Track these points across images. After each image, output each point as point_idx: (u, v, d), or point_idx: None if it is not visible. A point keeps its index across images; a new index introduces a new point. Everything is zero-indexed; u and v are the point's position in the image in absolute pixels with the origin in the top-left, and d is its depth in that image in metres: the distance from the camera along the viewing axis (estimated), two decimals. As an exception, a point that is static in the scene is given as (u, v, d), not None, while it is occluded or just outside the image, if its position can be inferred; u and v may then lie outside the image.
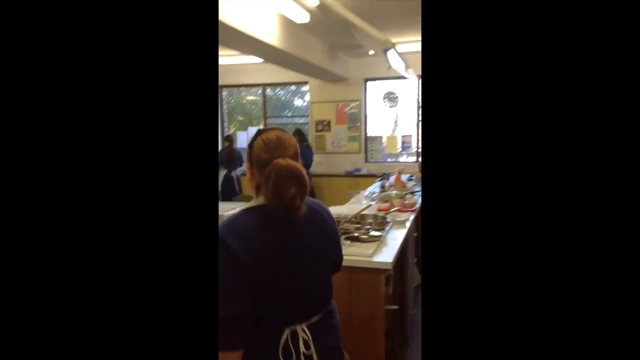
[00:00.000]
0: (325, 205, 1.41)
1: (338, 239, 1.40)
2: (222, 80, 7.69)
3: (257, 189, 1.25)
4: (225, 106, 8.23)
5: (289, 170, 1.18)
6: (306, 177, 1.21)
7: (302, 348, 1.21)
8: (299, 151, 1.27)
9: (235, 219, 1.22)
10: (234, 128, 8.32)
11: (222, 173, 6.82)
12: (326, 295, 1.32)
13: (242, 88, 8.13)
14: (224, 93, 8.19)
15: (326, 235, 1.32)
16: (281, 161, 1.19)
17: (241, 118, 8.38)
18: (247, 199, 5.26)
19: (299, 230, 1.23)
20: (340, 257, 1.42)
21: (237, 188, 6.92)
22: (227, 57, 6.67)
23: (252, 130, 7.86)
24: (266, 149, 1.23)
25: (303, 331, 1.23)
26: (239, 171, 7.04)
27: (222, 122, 8.16)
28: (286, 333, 1.21)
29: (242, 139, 7.95)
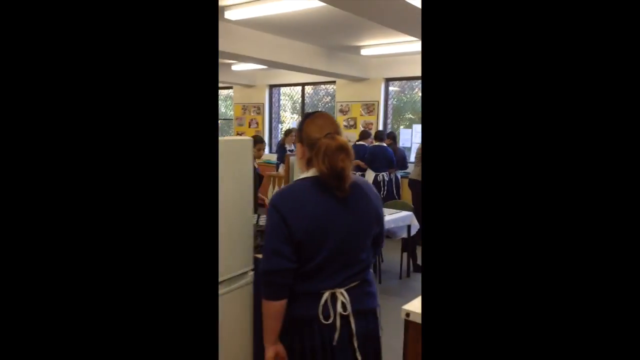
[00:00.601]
0: (371, 184, 1.56)
1: (380, 215, 1.52)
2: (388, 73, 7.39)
3: (308, 163, 1.44)
4: (391, 103, 7.89)
5: (339, 145, 1.38)
6: (352, 151, 1.40)
7: (339, 309, 1.39)
8: (340, 129, 1.46)
9: (288, 187, 1.44)
10: (403, 126, 7.93)
11: (374, 174, 6.19)
12: (365, 263, 1.47)
13: (415, 84, 7.66)
14: (394, 89, 7.85)
15: (368, 208, 1.47)
16: (330, 139, 1.39)
17: (411, 116, 7.94)
18: (403, 205, 4.94)
19: (345, 200, 1.40)
20: (381, 233, 1.55)
21: (394, 192, 6.32)
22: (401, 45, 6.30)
23: (417, 128, 7.35)
24: (316, 129, 1.43)
25: (342, 294, 1.40)
26: (400, 173, 6.55)
27: (386, 119, 7.82)
28: (326, 295, 1.39)
29: (406, 138, 7.52)
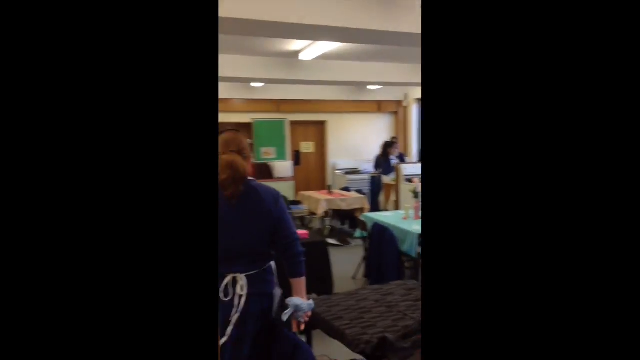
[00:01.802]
0: (273, 190, 1.88)
1: (275, 216, 1.83)
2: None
3: None
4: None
5: (227, 164, 1.77)
6: (242, 166, 1.78)
7: (238, 290, 1.77)
8: (245, 144, 1.86)
9: None
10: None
11: None
12: (261, 257, 1.84)
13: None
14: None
15: (260, 212, 1.81)
16: (224, 157, 1.78)
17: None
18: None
19: (237, 208, 1.79)
20: (285, 235, 1.85)
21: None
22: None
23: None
24: (220, 147, 1.81)
25: (241, 279, 1.78)
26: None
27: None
28: (228, 278, 1.78)
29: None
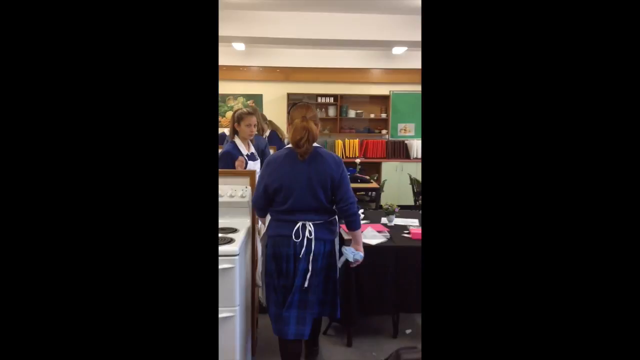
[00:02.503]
0: (336, 156, 2.37)
1: (337, 179, 2.28)
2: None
3: (289, 138, 2.31)
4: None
5: (303, 127, 2.26)
6: (313, 130, 2.27)
7: (307, 234, 2.28)
8: (317, 116, 2.37)
9: (276, 153, 2.37)
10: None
11: None
12: (324, 210, 2.32)
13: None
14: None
15: (323, 172, 2.27)
16: (299, 121, 2.28)
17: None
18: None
19: (305, 165, 2.26)
20: (342, 198, 2.30)
21: None
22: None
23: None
24: (295, 113, 2.33)
25: (310, 225, 2.29)
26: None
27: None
28: (299, 224, 2.29)
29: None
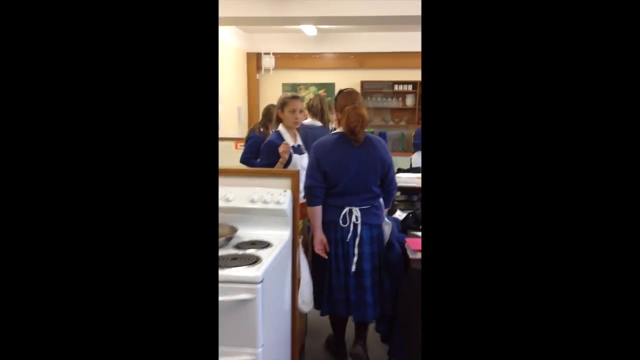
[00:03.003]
0: (382, 140, 2.40)
1: (387, 164, 2.34)
2: None
3: (339, 123, 2.35)
4: None
5: (355, 114, 2.23)
6: (366, 116, 2.26)
7: (353, 219, 2.27)
8: (362, 100, 2.40)
9: (324, 138, 2.38)
10: None
11: None
12: (371, 195, 2.31)
13: None
14: None
15: (375, 158, 2.29)
16: (350, 108, 2.25)
17: None
18: None
19: (358, 151, 2.27)
20: (388, 176, 2.36)
21: None
22: None
23: None
24: (344, 100, 2.33)
25: (356, 211, 2.28)
26: None
27: None
28: (346, 209, 2.27)
29: None
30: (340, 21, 5.17)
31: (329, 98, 7.34)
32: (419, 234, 2.49)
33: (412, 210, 2.90)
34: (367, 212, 2.29)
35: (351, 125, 2.22)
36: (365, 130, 2.29)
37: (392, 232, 2.41)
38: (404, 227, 2.71)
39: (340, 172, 2.25)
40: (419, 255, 2.16)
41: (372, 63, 7.20)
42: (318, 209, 2.28)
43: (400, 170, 5.67)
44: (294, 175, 2.19)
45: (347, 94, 2.36)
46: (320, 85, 7.42)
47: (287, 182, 2.17)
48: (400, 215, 2.97)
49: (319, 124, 3.43)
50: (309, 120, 3.36)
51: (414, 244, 2.25)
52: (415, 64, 7.09)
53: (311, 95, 7.38)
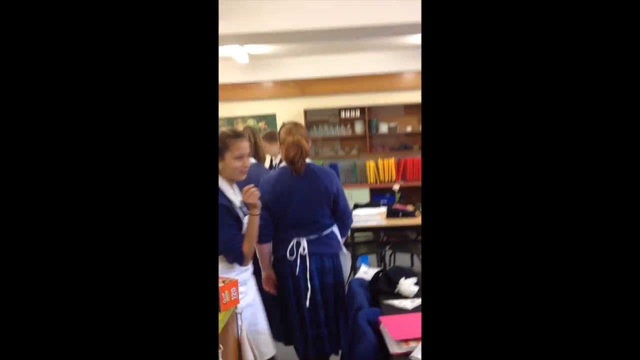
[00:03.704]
0: (329, 170, 2.37)
1: (333, 193, 2.30)
2: None
3: (282, 156, 2.30)
4: None
5: (293, 144, 2.22)
6: (305, 146, 2.24)
7: (301, 250, 2.25)
8: (306, 133, 2.32)
9: (268, 174, 2.37)
10: None
11: None
12: (319, 225, 2.29)
13: None
14: None
15: (319, 187, 2.26)
16: (290, 138, 2.24)
17: None
18: None
19: (300, 182, 2.25)
20: (343, 206, 2.36)
21: None
22: None
23: None
24: (285, 134, 2.28)
25: (303, 241, 2.26)
26: None
27: None
28: (293, 241, 2.26)
29: None
30: (271, 39, 4.45)
31: (267, 130, 6.70)
32: (397, 303, 1.78)
33: (380, 269, 2.19)
34: (315, 242, 2.28)
35: (289, 156, 2.22)
36: (311, 161, 2.32)
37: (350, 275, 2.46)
38: (373, 292, 1.96)
39: (284, 204, 2.25)
40: (405, 349, 1.37)
41: (315, 90, 6.55)
42: (265, 247, 2.30)
43: (357, 206, 4.98)
44: None
45: (288, 129, 2.30)
46: (259, 117, 6.67)
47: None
48: (365, 272, 2.23)
49: (252, 160, 2.77)
50: None
51: (395, 328, 1.46)
52: (362, 88, 6.50)
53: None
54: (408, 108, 6.58)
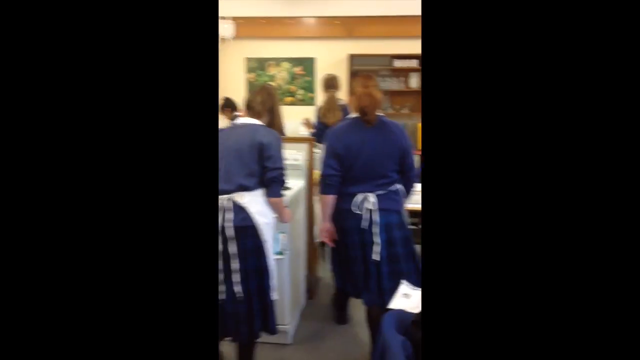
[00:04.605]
0: (400, 124, 2.32)
1: (404, 148, 2.25)
2: None
3: (354, 106, 2.25)
4: None
5: (366, 95, 2.18)
6: (378, 97, 2.21)
7: (370, 206, 2.19)
8: (377, 82, 2.27)
9: (338, 125, 2.33)
10: None
11: None
12: (387, 180, 2.23)
13: None
14: None
15: (391, 141, 2.22)
16: (362, 89, 2.19)
17: None
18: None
19: (372, 133, 2.20)
20: (410, 163, 2.28)
21: None
22: None
23: None
24: (357, 84, 2.24)
25: (372, 197, 2.20)
26: None
27: None
28: (359, 196, 2.20)
29: None
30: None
31: (308, 78, 5.71)
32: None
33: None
34: (383, 197, 2.23)
35: (362, 105, 2.19)
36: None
37: None
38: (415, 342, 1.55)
39: (354, 154, 2.19)
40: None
41: (364, 31, 5.42)
42: (330, 198, 2.25)
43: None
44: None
45: (359, 78, 2.28)
46: (295, 61, 5.64)
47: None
48: (406, 295, 1.97)
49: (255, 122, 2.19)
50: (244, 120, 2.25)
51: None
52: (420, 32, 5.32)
53: (284, 75, 5.62)
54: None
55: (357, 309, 2.73)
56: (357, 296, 2.35)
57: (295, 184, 2.71)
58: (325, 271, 3.23)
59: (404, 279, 2.12)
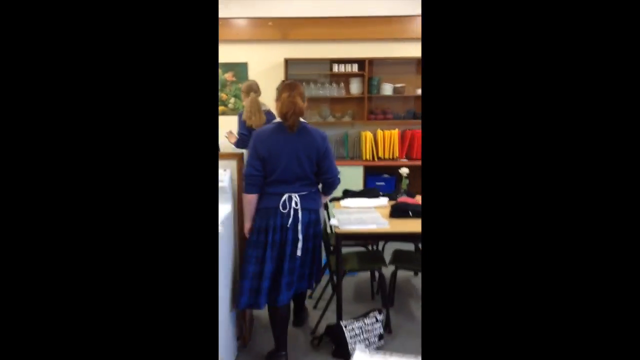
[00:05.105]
0: (321, 131, 2.46)
1: (322, 152, 2.41)
2: None
3: (277, 112, 2.42)
4: None
5: (289, 102, 2.35)
6: (300, 105, 2.38)
7: (293, 205, 2.39)
8: (303, 91, 2.45)
9: (262, 128, 2.47)
10: None
11: None
12: (308, 181, 2.44)
13: None
14: None
15: (309, 145, 2.38)
16: (286, 97, 2.37)
17: None
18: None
19: (293, 138, 2.37)
20: (325, 170, 2.46)
21: None
22: None
23: None
24: (282, 91, 2.40)
25: (295, 196, 2.40)
26: None
27: None
28: (285, 196, 2.39)
29: None
30: None
31: (241, 85, 5.23)
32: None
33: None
34: (305, 197, 2.43)
35: (283, 112, 2.36)
36: (302, 119, 2.42)
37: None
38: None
39: (277, 157, 2.36)
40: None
41: (300, 33, 5.03)
42: (253, 197, 2.42)
43: (347, 193, 3.58)
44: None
45: (287, 85, 2.43)
46: (225, 67, 5.15)
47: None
48: None
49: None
50: None
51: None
52: (362, 34, 4.98)
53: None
54: (421, 64, 5.09)
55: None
56: (284, 299, 2.43)
57: (220, 209, 2.30)
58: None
59: (306, 271, 2.52)
